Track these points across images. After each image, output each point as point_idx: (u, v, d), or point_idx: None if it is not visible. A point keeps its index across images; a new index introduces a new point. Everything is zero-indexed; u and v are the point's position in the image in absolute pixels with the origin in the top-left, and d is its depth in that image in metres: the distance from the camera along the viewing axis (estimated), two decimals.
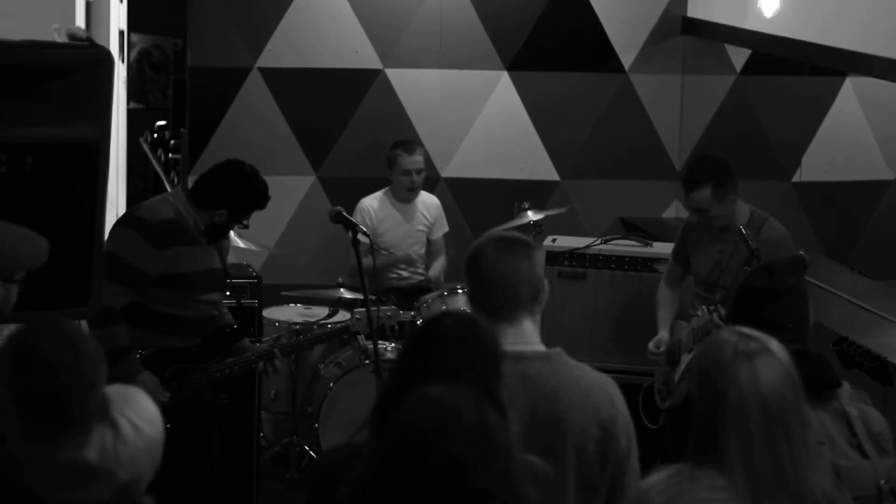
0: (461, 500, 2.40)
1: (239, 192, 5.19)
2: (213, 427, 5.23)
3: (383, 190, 7.39)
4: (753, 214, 5.69)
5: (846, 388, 3.85)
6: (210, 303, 5.23)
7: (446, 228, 7.53)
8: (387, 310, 5.96)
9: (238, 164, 5.26)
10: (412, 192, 7.33)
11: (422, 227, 7.40)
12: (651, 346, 5.89)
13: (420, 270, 7.38)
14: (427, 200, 7.47)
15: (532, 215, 6.89)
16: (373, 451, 2.52)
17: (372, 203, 7.33)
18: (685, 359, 5.67)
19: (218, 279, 5.26)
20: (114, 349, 4.78)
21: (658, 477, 2.80)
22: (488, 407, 2.51)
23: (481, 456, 2.42)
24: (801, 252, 5.11)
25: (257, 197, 5.22)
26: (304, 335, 5.40)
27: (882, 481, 3.72)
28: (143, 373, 4.98)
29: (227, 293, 5.44)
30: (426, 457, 2.39)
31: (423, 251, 7.41)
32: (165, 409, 4.80)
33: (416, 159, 7.32)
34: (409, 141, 7.49)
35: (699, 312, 5.60)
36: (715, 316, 5.42)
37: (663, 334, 5.91)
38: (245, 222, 5.22)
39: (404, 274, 7.34)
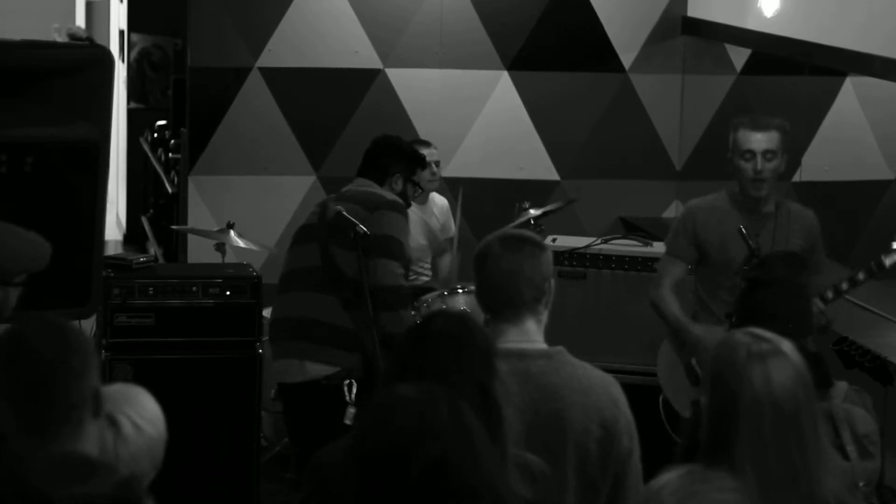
0: (447, 501, 2.39)
1: None
2: None
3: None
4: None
5: (841, 387, 3.84)
6: None
7: (454, 230, 7.49)
8: None
9: None
10: (432, 184, 7.23)
11: (437, 227, 7.36)
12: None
13: (426, 272, 7.32)
14: (438, 201, 7.43)
15: (533, 213, 6.86)
16: (354, 453, 2.50)
17: None
18: None
19: None
20: None
21: (669, 477, 2.78)
22: (463, 405, 2.50)
23: (464, 454, 2.41)
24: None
25: None
26: None
27: (861, 483, 3.71)
28: None
29: None
30: (411, 458, 2.38)
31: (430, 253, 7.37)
32: None
33: (433, 151, 7.27)
34: (421, 140, 7.46)
35: None
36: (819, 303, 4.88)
37: (698, 330, 5.20)
38: None
39: (410, 276, 7.29)
